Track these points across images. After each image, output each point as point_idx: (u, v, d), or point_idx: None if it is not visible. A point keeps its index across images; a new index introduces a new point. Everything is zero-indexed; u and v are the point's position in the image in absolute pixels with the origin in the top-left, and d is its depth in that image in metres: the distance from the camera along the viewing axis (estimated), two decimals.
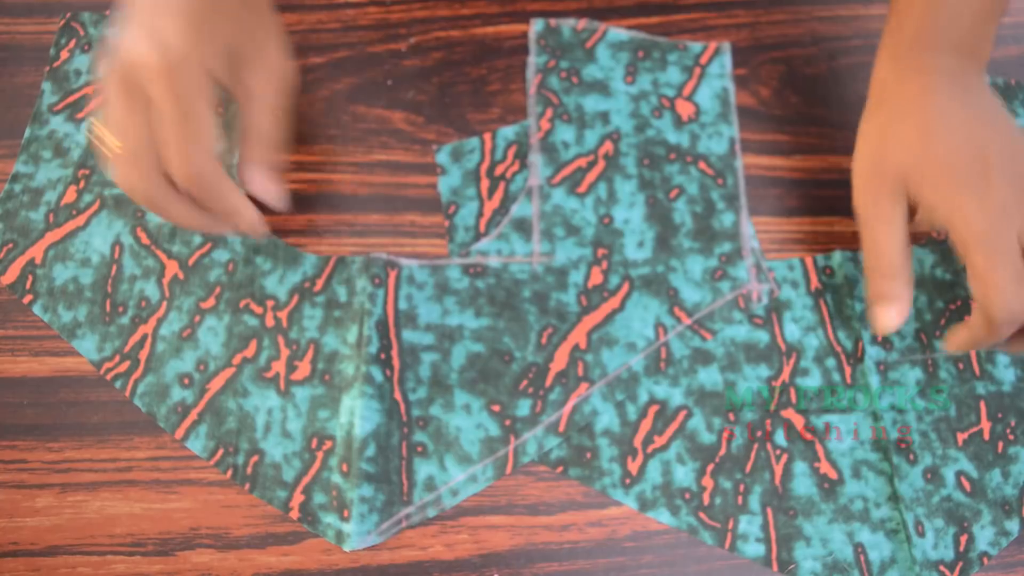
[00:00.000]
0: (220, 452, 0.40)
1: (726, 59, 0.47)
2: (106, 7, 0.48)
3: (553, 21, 0.48)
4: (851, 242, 0.44)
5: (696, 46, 0.47)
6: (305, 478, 0.39)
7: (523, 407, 0.41)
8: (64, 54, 0.47)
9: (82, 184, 0.44)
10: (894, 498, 0.39)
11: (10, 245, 0.43)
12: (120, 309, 0.42)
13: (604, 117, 0.46)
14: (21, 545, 0.38)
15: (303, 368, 0.41)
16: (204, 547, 0.38)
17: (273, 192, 0.38)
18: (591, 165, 0.44)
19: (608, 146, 0.45)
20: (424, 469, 0.40)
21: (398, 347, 0.41)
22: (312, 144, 0.45)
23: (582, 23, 0.48)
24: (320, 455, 0.40)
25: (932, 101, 0.37)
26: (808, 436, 0.41)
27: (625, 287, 0.42)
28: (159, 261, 0.43)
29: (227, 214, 0.36)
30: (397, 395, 0.40)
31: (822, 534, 0.39)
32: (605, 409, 0.41)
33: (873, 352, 0.42)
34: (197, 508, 0.39)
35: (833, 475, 0.40)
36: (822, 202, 0.45)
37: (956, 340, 0.37)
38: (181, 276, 0.42)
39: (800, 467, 0.40)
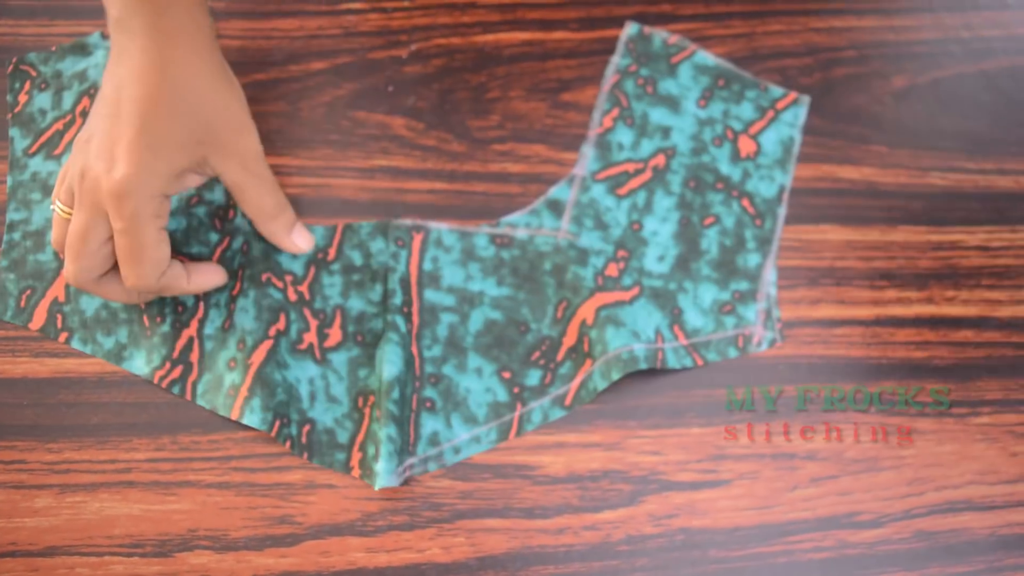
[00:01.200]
0: (277, 424, 0.40)
1: (802, 111, 0.47)
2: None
3: (647, 29, 0.48)
4: (844, 250, 0.45)
5: (777, 91, 0.47)
6: (359, 436, 0.40)
7: (533, 377, 0.42)
8: (23, 97, 0.46)
9: None
10: None
11: (28, 291, 0.43)
12: (158, 319, 0.42)
13: (665, 132, 0.46)
14: (20, 545, 0.39)
15: (334, 334, 0.42)
16: (202, 548, 0.39)
17: (306, 246, 0.42)
18: (638, 172, 0.45)
19: (660, 159, 0.45)
20: (430, 424, 0.41)
21: (419, 305, 0.42)
22: (313, 149, 0.45)
23: (674, 37, 0.48)
24: (367, 411, 0.41)
25: None
26: None
27: (636, 290, 0.43)
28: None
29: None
30: (414, 349, 0.41)
31: None
32: (604, 386, 0.41)
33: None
34: (195, 510, 0.39)
35: None
36: (815, 210, 0.45)
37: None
38: None
39: None
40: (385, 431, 0.39)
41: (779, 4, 0.50)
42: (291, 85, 0.46)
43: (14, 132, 0.45)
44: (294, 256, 0.43)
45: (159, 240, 0.37)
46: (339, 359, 0.42)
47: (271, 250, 0.43)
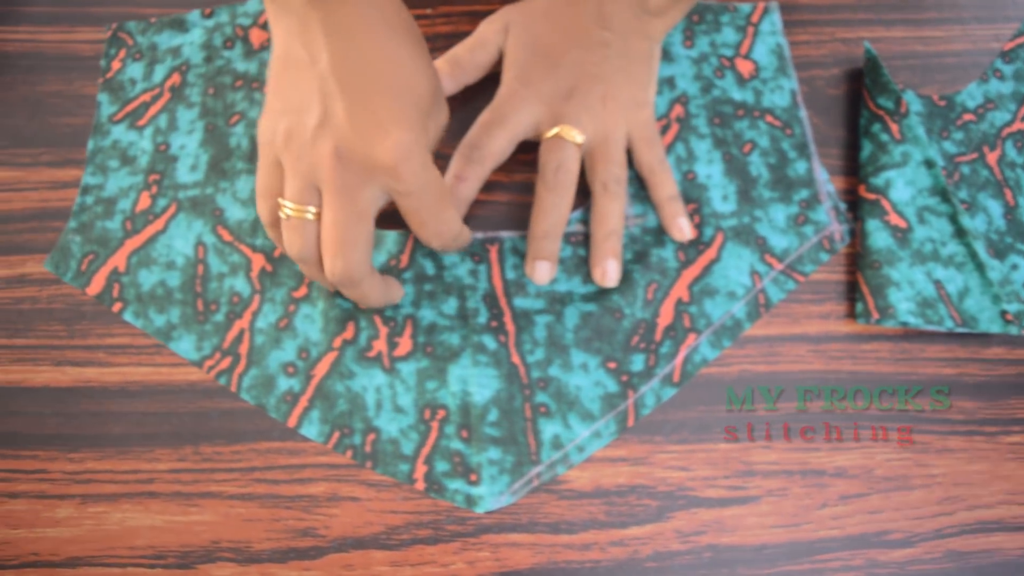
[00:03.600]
0: (336, 435, 0.40)
1: (775, 17, 0.49)
2: (125, 19, 0.48)
3: None
4: None
5: (745, 6, 0.49)
6: (425, 449, 0.40)
7: (637, 362, 0.42)
8: (116, 64, 0.47)
9: (154, 189, 0.44)
10: (958, 234, 0.43)
11: (91, 256, 0.43)
12: (213, 307, 0.42)
13: (670, 82, 0.47)
14: (41, 556, 0.38)
15: (404, 343, 0.42)
16: (225, 560, 0.38)
17: (461, 239, 0.40)
18: (665, 129, 0.46)
19: (678, 109, 0.46)
20: (549, 428, 0.41)
21: (511, 313, 0.42)
22: None
23: None
24: (435, 425, 0.40)
25: None
26: (872, 195, 0.44)
27: (719, 238, 0.44)
28: (244, 256, 0.43)
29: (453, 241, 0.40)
30: (515, 359, 0.41)
31: (907, 277, 0.42)
32: (714, 356, 0.42)
33: (916, 106, 0.46)
34: (218, 521, 0.39)
35: (903, 224, 0.43)
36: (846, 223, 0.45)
37: None
38: (269, 268, 0.43)
39: (873, 224, 0.43)
40: (484, 456, 0.40)
41: (806, 14, 0.49)
42: None
43: (102, 97, 0.46)
44: None
45: (446, 187, 0.37)
46: (407, 369, 0.41)
47: None
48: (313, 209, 0.36)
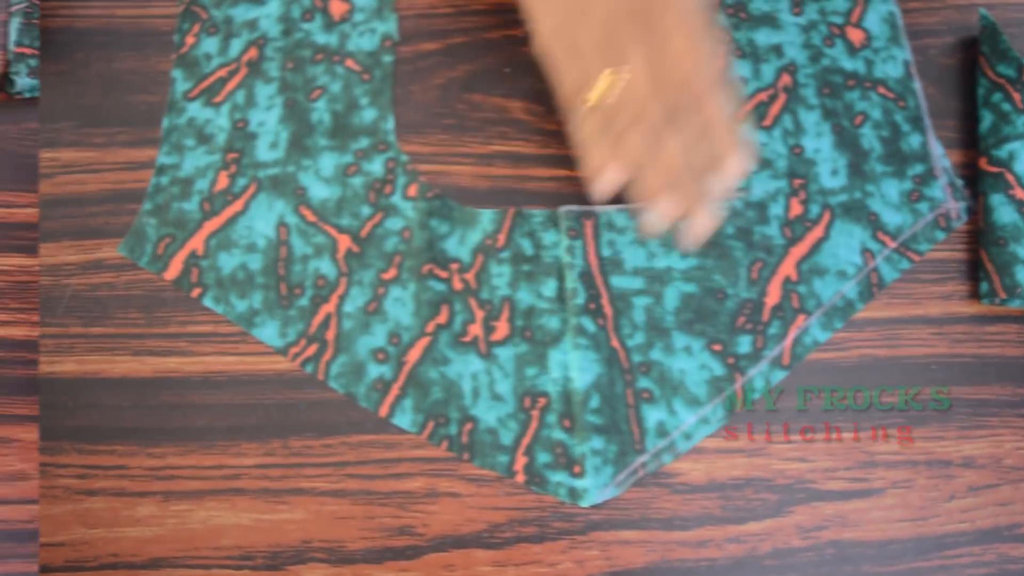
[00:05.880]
0: (431, 425, 0.39)
1: None
2: None
3: None
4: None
5: None
6: (525, 439, 0.38)
7: (744, 344, 0.40)
8: (190, 39, 0.45)
9: (233, 169, 0.42)
10: None
11: (167, 239, 0.41)
12: (297, 291, 0.40)
13: (777, 50, 0.45)
14: (121, 557, 0.37)
15: (501, 328, 0.40)
16: (317, 562, 0.37)
17: None
18: (772, 98, 0.44)
19: (786, 79, 0.44)
20: (653, 415, 0.39)
21: (608, 294, 0.40)
22: (426, 134, 0.43)
23: None
24: (536, 413, 0.39)
25: None
26: (995, 168, 0.41)
27: (826, 216, 0.42)
28: (330, 237, 0.41)
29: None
30: (615, 343, 0.40)
31: None
32: (825, 338, 0.40)
33: None
34: (309, 520, 0.37)
35: None
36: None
37: None
38: (356, 249, 0.41)
39: (997, 198, 0.41)
40: (587, 446, 0.38)
41: None
42: (402, 67, 0.44)
43: (176, 74, 0.44)
44: (460, 243, 0.41)
45: None
46: (506, 355, 0.39)
47: (435, 239, 0.41)
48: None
